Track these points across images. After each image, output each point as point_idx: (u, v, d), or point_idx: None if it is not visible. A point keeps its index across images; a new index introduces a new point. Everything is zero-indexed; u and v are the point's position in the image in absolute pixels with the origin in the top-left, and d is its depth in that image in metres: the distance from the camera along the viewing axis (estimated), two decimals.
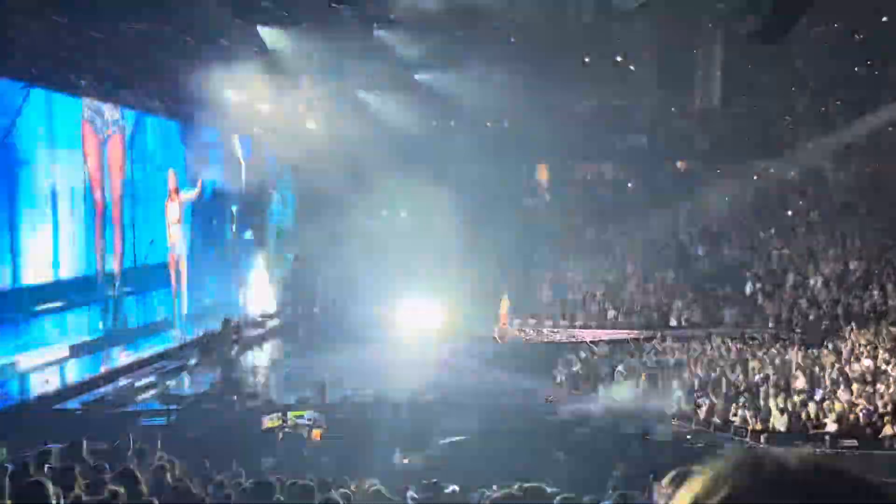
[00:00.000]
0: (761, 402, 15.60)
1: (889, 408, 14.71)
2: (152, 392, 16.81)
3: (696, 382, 17.37)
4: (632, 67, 33.16)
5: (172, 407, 15.38)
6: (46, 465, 7.65)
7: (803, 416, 14.94)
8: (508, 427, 15.36)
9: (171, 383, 17.16)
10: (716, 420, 15.44)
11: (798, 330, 22.80)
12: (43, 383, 15.21)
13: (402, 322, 24.82)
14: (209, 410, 15.43)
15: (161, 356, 19.34)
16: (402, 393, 16.64)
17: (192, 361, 17.92)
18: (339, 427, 15.19)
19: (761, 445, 13.69)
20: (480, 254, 30.12)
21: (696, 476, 0.74)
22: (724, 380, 17.38)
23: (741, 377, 17.42)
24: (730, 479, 0.69)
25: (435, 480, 3.54)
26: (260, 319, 24.28)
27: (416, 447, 13.88)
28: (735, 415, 15.42)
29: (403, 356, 21.68)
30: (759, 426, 14.72)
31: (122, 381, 17.16)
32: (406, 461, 13.29)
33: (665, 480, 1.92)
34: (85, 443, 8.80)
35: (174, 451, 11.94)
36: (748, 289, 25.82)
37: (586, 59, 27.95)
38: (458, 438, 13.73)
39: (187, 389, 16.64)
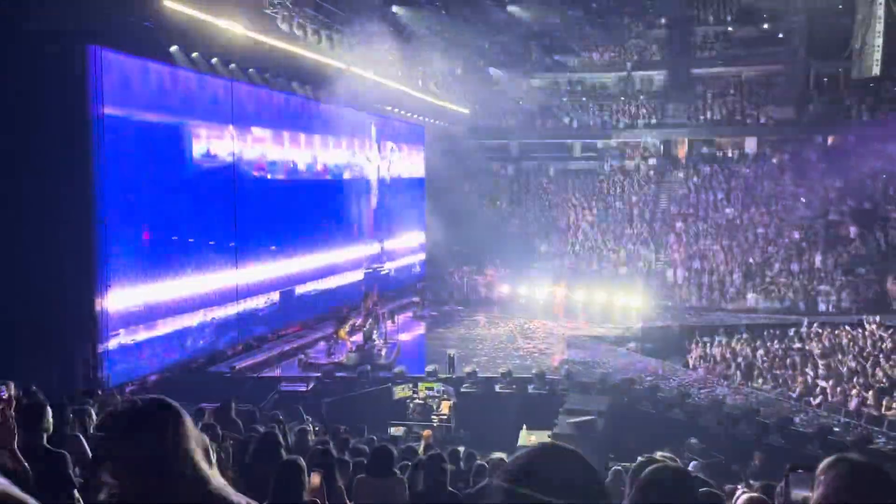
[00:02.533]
0: None
1: None
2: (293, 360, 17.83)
3: (846, 372, 16.24)
4: (780, 35, 31.10)
5: (311, 374, 16.22)
6: (200, 423, 8.31)
7: None
8: (638, 410, 15.05)
9: (311, 352, 18.07)
10: (867, 412, 14.38)
11: None
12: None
13: (530, 297, 24.82)
14: (344, 379, 16.15)
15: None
16: (529, 369, 16.69)
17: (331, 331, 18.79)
18: (467, 401, 15.47)
19: None
20: (609, 231, 29.52)
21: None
22: (877, 370, 16.15)
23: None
24: None
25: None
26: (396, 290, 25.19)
27: (542, 425, 13.89)
28: (890, 408, 14.29)
29: (529, 332, 21.72)
30: None
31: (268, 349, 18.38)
32: (533, 439, 13.33)
33: (823, 465, 1.80)
34: (233, 404, 9.44)
35: (313, 416, 12.65)
36: None
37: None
38: (585, 418, 13.59)
39: (325, 358, 17.45)
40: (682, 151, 33.33)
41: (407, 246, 27.68)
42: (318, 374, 16.14)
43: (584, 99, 33.84)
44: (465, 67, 27.55)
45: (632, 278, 26.19)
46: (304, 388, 15.67)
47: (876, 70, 24.49)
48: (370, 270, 22.64)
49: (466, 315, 24.42)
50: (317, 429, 9.97)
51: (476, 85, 28.71)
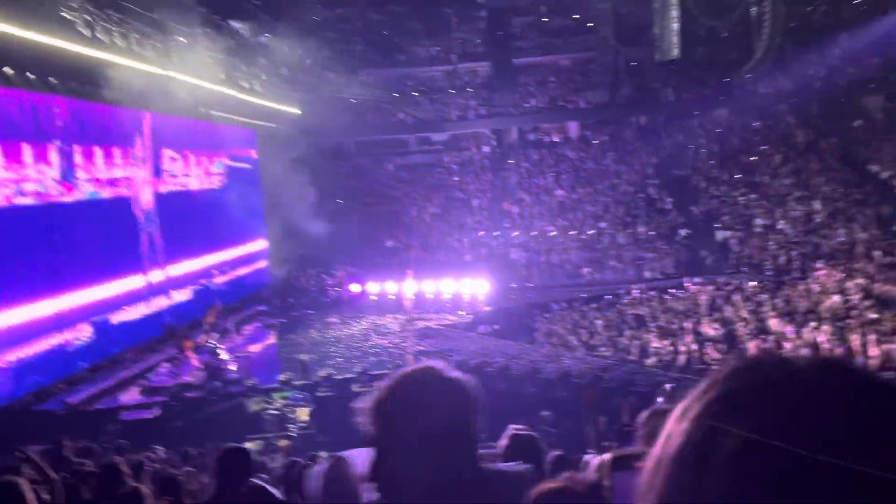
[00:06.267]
0: (739, 345, 15.92)
1: (858, 342, 15.08)
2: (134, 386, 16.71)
3: (674, 331, 17.65)
4: (589, 24, 33.14)
5: (156, 399, 15.28)
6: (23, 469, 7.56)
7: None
8: (492, 390, 15.51)
9: (152, 376, 17.03)
10: (695, 366, 15.72)
11: (769, 272, 23.22)
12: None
13: (381, 293, 24.84)
14: (193, 399, 15.37)
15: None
16: (384, 366, 16.71)
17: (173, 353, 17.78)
18: (326, 405, 15.24)
19: None
20: (452, 221, 30.19)
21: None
22: (700, 326, 17.70)
23: (717, 322, 17.73)
24: (722, 380, 0.64)
25: None
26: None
27: None
28: (713, 357, 15.70)
29: (383, 328, 21.76)
30: None
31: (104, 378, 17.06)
32: None
33: (639, 420, 1.96)
34: (65, 442, 8.69)
35: (162, 443, 11.90)
36: (719, 236, 26.17)
37: None
38: None
39: (170, 380, 16.52)
40: (511, 139, 34.73)
41: (247, 254, 26.73)
42: (164, 398, 15.24)
43: (414, 94, 34.32)
44: (292, 67, 26.99)
45: (476, 264, 26.95)
46: (149, 415, 14.73)
47: (676, 53, 26.72)
48: (199, 286, 21.58)
49: (318, 318, 24.03)
50: (164, 456, 9.40)
51: (305, 84, 28.24)
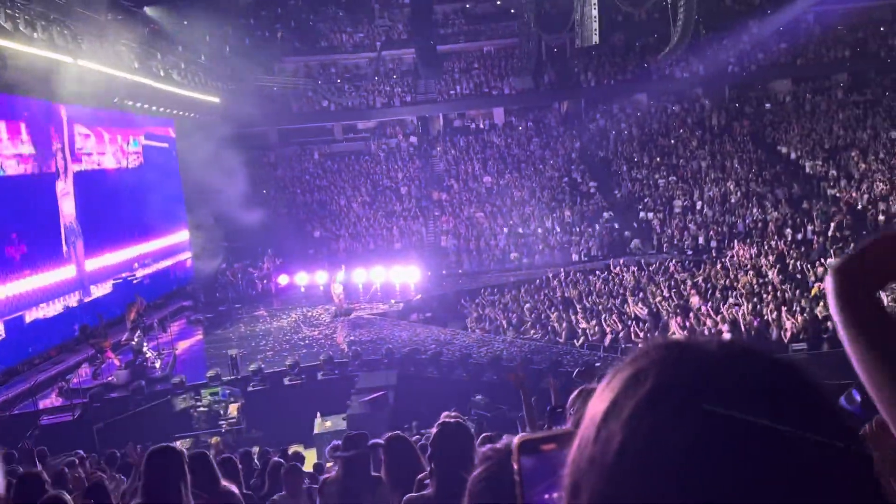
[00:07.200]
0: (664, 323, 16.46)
1: (774, 314, 15.83)
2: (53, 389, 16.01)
3: (601, 311, 18.10)
4: (512, 10, 33.38)
5: (77, 401, 14.70)
6: None
7: (703, 331, 15.87)
8: (425, 377, 15.60)
9: (72, 377, 16.36)
10: (622, 345, 16.19)
11: (689, 251, 24.06)
12: None
13: (310, 284, 24.49)
14: (117, 399, 14.88)
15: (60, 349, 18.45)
16: (316, 357, 16.55)
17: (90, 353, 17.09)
18: (256, 399, 15.00)
19: None
20: (381, 209, 30.03)
21: (614, 371, 0.68)
22: (626, 305, 18.22)
23: (642, 302, 18.28)
24: (652, 373, 0.64)
25: (359, 432, 3.66)
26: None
27: (336, 409, 13.90)
28: (638, 336, 16.21)
29: (313, 320, 21.51)
30: None
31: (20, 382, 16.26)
32: (328, 424, 13.29)
33: (570, 399, 2.02)
34: None
35: (84, 446, 11.49)
36: (642, 217, 26.91)
37: None
38: (377, 395, 13.81)
39: (90, 381, 15.90)
40: (438, 126, 34.73)
41: (169, 245, 25.84)
42: (85, 400, 14.67)
43: (339, 81, 33.86)
44: (210, 54, 26.18)
45: (407, 252, 26.89)
46: (69, 418, 14.17)
47: (595, 39, 27.08)
48: (119, 280, 20.78)
49: (245, 312, 23.53)
50: (86, 460, 9.08)
51: (224, 72, 27.46)
